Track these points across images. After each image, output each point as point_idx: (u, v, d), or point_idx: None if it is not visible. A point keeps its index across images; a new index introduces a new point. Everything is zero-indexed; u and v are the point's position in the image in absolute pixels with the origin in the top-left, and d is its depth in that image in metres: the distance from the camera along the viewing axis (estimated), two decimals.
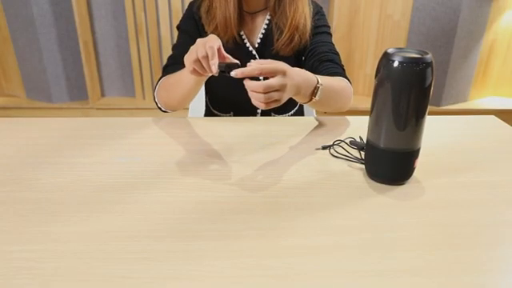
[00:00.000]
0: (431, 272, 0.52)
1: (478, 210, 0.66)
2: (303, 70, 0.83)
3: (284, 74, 0.74)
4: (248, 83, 0.72)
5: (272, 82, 0.72)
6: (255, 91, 0.72)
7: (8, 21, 2.52)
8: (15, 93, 2.78)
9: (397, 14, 2.48)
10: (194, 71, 0.80)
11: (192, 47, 0.80)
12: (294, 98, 0.82)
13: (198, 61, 0.77)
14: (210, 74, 0.80)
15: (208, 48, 0.76)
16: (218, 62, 0.76)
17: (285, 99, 0.75)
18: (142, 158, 0.82)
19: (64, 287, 0.49)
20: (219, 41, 0.79)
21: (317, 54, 1.06)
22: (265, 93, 0.71)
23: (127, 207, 0.65)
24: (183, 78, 0.91)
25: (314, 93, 0.84)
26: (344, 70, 1.06)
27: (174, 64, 1.06)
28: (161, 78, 1.05)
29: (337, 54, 1.08)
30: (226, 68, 0.74)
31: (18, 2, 2.42)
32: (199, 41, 0.79)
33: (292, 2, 1.02)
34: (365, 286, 0.50)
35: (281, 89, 0.73)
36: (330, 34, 1.12)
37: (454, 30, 2.40)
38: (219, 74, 0.77)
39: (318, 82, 0.84)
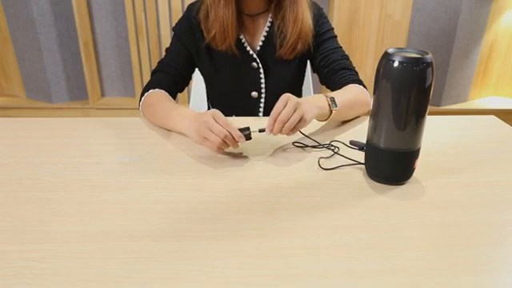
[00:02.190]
0: (431, 272, 0.52)
1: (478, 210, 0.66)
2: (315, 98, 0.88)
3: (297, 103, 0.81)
4: (274, 129, 0.80)
5: (285, 110, 0.79)
6: (281, 127, 0.79)
7: (8, 21, 2.52)
8: (15, 93, 2.78)
9: (397, 14, 2.48)
10: (220, 149, 0.81)
11: (200, 126, 0.79)
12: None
13: (222, 141, 0.77)
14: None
15: (225, 125, 0.77)
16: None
17: (307, 115, 0.81)
18: (141, 158, 0.82)
19: (64, 287, 0.49)
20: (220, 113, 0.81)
21: (330, 63, 1.08)
22: (287, 121, 0.79)
23: (127, 207, 0.65)
24: (168, 121, 0.92)
25: (330, 114, 0.90)
26: (357, 72, 1.08)
27: (162, 72, 1.07)
28: (148, 87, 1.04)
29: (347, 57, 1.10)
30: (247, 137, 0.80)
31: (18, 2, 2.42)
32: (209, 118, 0.78)
33: (292, 8, 1.01)
34: (365, 286, 0.50)
35: (297, 107, 0.80)
36: (336, 36, 1.12)
37: (454, 30, 2.40)
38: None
39: (330, 107, 0.89)
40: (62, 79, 2.63)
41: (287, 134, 0.81)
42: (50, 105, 2.66)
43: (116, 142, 0.88)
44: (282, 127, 0.79)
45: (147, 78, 2.65)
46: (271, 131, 0.80)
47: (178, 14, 2.47)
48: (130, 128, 0.96)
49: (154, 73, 1.09)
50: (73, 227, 0.60)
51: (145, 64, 2.62)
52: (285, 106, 0.79)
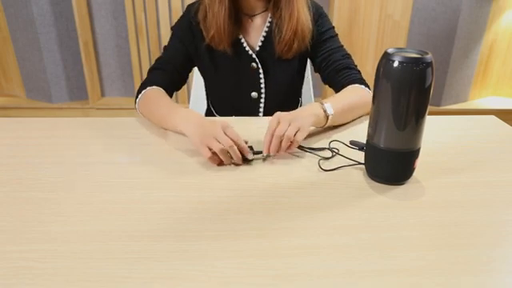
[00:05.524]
0: (431, 272, 0.52)
1: (478, 210, 0.66)
2: (308, 107, 0.89)
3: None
4: (272, 146, 0.80)
5: (279, 127, 0.79)
6: (276, 146, 0.79)
7: (8, 21, 2.52)
8: (15, 93, 2.77)
9: (397, 14, 2.48)
10: (214, 159, 0.78)
11: (206, 132, 0.78)
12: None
13: (223, 150, 0.76)
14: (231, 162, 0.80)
15: (234, 137, 0.77)
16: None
17: (304, 125, 0.82)
18: (141, 158, 0.82)
19: (64, 287, 0.49)
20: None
21: (331, 63, 1.07)
22: (281, 140, 0.79)
23: (127, 207, 0.65)
24: (167, 122, 0.90)
25: (327, 119, 0.90)
26: (359, 71, 1.07)
27: (160, 69, 1.07)
28: (144, 84, 1.03)
29: (349, 56, 1.09)
30: (245, 159, 0.80)
31: (18, 2, 2.42)
32: (218, 131, 0.77)
33: (287, 6, 1.01)
34: (365, 286, 0.50)
35: (291, 122, 0.80)
36: (337, 35, 1.11)
37: (454, 30, 2.40)
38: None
39: (326, 113, 0.89)
40: (62, 79, 2.63)
41: (287, 150, 0.81)
42: (50, 105, 2.66)
43: (116, 142, 0.88)
44: (280, 143, 0.79)
45: None
46: (269, 150, 0.79)
47: (178, 14, 2.45)
48: (130, 128, 0.96)
49: (151, 70, 1.08)
50: (73, 227, 0.60)
51: (145, 64, 2.61)
52: (278, 123, 0.80)
